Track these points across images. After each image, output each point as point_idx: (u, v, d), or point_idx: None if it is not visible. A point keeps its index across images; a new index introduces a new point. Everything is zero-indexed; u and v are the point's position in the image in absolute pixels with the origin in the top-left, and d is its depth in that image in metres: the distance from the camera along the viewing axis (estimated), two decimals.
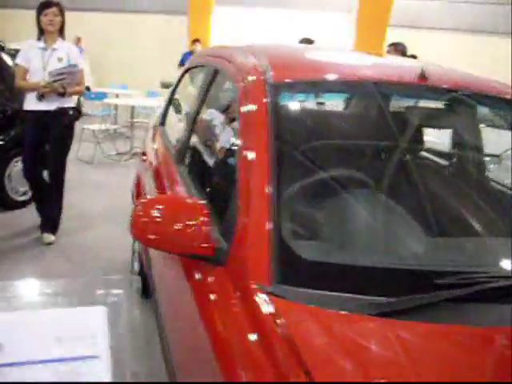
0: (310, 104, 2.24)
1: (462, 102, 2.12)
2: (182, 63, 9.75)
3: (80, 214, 5.19)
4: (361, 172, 1.87)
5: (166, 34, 12.59)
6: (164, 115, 3.50)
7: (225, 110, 2.47)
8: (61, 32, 4.20)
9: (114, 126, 8.35)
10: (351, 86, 2.09)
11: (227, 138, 1.93)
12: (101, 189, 6.18)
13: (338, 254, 1.58)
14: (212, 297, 1.58)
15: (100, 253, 4.35)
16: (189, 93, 3.32)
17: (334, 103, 2.25)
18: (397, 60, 2.44)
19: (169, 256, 2.05)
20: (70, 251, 4.36)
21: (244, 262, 1.52)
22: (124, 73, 12.02)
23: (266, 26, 11.83)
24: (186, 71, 3.40)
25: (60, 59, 4.13)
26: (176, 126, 3.21)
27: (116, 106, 8.60)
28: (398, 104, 2.23)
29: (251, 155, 1.72)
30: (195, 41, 10.33)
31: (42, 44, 4.15)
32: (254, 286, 1.43)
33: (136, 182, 3.65)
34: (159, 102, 8.54)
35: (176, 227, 1.64)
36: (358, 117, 2.25)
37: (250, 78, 2.02)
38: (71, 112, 4.28)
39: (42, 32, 4.15)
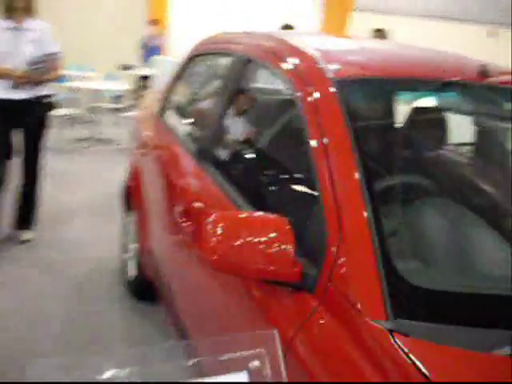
0: (379, 104, 2.05)
1: None
2: (143, 47, 9.35)
3: (57, 207, 4.84)
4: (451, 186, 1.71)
5: (123, 13, 12.05)
6: (164, 105, 3.23)
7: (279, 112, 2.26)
8: (31, 9, 3.77)
9: (75, 111, 7.90)
10: (416, 85, 1.92)
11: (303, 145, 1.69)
12: (71, 179, 5.82)
13: (461, 280, 1.41)
14: (304, 327, 1.38)
15: (86, 251, 4.07)
16: (204, 82, 3.08)
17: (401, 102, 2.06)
18: (448, 55, 2.27)
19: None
20: (51, 251, 4.05)
21: (347, 291, 1.33)
22: (80, 54, 11.43)
23: (230, 9, 11.46)
24: (191, 59, 3.13)
25: (32, 41, 3.74)
26: (189, 119, 2.97)
27: (77, 90, 8.13)
28: (465, 105, 2.08)
29: (340, 168, 1.53)
30: (153, 22, 9.87)
31: (10, 23, 3.71)
32: (369, 322, 1.25)
33: (133, 177, 3.38)
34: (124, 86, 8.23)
35: (258, 250, 1.44)
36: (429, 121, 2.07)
37: (315, 78, 1.82)
38: (47, 100, 3.94)
39: (9, 9, 3.70)
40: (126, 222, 3.69)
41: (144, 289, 3.43)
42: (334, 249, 1.40)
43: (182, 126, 3.02)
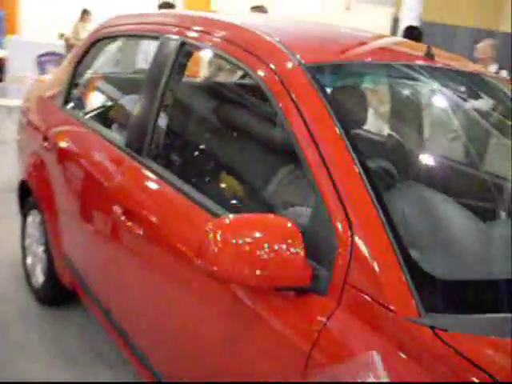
0: (353, 89, 2.01)
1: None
2: None
3: None
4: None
5: None
6: (66, 95, 2.94)
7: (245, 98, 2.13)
8: None
9: None
10: (382, 69, 1.91)
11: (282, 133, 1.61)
12: None
13: (483, 268, 1.42)
14: (326, 336, 1.31)
15: None
16: (117, 68, 2.84)
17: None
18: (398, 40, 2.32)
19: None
20: None
21: (370, 290, 1.29)
22: None
23: None
24: (94, 43, 2.87)
25: None
26: (109, 110, 2.73)
27: None
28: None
29: (335, 157, 1.47)
30: None
31: None
32: (406, 320, 1.22)
33: (34, 174, 3.05)
34: None
35: (266, 256, 1.34)
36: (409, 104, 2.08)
37: (280, 63, 1.73)
38: None
39: None
40: (26, 223, 3.34)
41: (56, 295, 3.16)
42: (346, 245, 1.35)
43: (98, 116, 2.78)
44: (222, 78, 5.94)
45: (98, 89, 3.20)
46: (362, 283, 1.32)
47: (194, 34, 2.14)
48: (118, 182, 2.20)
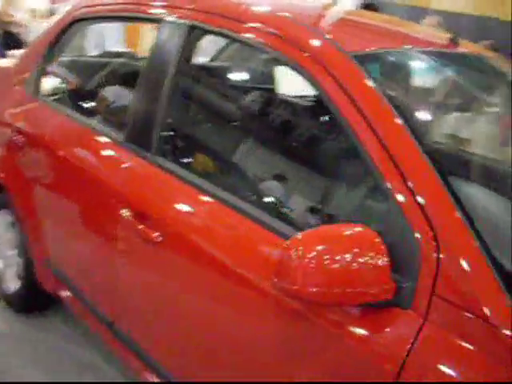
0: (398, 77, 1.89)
1: None
2: None
3: None
4: None
5: None
6: (39, 81, 2.67)
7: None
8: None
9: None
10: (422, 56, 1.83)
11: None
12: None
13: None
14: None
15: None
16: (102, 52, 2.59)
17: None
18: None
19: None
20: None
21: (464, 302, 1.19)
22: None
23: None
24: (70, 24, 2.60)
25: None
26: (98, 99, 2.49)
27: None
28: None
29: (401, 150, 1.37)
30: None
31: None
32: (504, 333, 1.13)
33: (9, 171, 2.77)
34: None
35: (352, 272, 1.22)
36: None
37: (322, 51, 1.59)
38: None
39: None
40: None
41: (33, 302, 2.91)
42: (431, 254, 1.24)
43: (79, 107, 2.54)
44: None
45: (76, 75, 2.93)
46: (453, 294, 1.21)
47: (207, 17, 1.93)
48: (123, 181, 1.99)
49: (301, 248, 1.23)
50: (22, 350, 2.68)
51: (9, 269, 2.96)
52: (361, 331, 1.29)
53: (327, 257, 1.22)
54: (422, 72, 1.97)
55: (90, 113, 2.66)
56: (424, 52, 1.90)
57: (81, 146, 2.29)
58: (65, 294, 2.52)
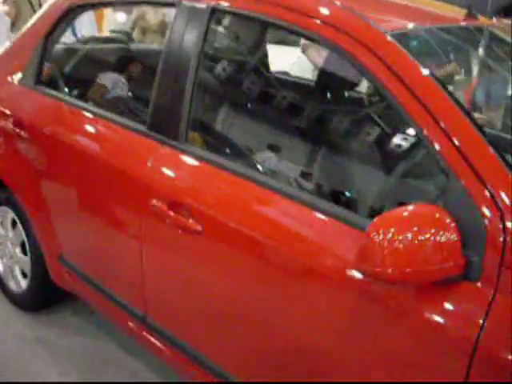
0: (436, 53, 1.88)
1: None
2: None
3: None
4: None
5: None
6: (38, 72, 2.57)
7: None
8: None
9: None
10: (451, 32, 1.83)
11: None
12: None
13: None
14: None
15: None
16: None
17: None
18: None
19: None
20: None
21: None
22: None
23: None
24: (69, 11, 2.50)
25: None
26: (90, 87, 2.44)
27: None
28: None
29: (454, 122, 1.39)
30: None
31: None
32: None
33: (11, 167, 2.66)
34: None
35: (429, 250, 1.24)
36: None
37: (364, 32, 1.58)
38: None
39: None
40: None
41: (45, 299, 2.85)
42: (496, 225, 1.26)
43: (86, 95, 2.47)
44: (148, 40, 5.59)
45: (74, 63, 2.83)
46: None
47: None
48: (151, 171, 1.94)
49: (381, 231, 1.24)
50: (37, 350, 2.62)
51: (12, 267, 2.87)
52: (434, 308, 1.31)
53: (405, 237, 1.23)
54: (453, 48, 1.98)
55: (96, 102, 2.59)
56: (451, 28, 1.91)
57: (96, 137, 2.22)
58: (84, 289, 2.47)
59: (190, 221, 1.79)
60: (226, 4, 1.91)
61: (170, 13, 5.03)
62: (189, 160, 1.89)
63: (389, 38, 1.57)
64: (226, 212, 1.74)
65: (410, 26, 1.76)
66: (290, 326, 1.64)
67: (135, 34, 5.46)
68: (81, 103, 2.40)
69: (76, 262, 2.45)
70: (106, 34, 5.56)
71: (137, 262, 2.05)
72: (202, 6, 1.92)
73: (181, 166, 1.92)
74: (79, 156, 2.24)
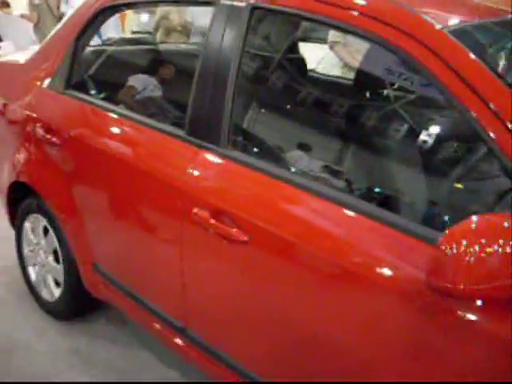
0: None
1: None
2: None
3: None
4: None
5: None
6: (69, 76, 2.51)
7: None
8: None
9: None
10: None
11: None
12: None
13: None
14: None
15: None
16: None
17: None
18: None
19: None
20: None
21: None
22: None
23: None
24: (99, 13, 2.43)
25: None
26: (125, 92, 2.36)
27: None
28: None
29: None
30: None
31: None
32: None
33: (43, 173, 2.60)
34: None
35: (505, 262, 1.14)
36: None
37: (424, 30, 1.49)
38: None
39: None
40: (23, 230, 2.89)
41: (77, 308, 2.80)
42: None
43: (120, 101, 2.41)
44: (172, 40, 5.51)
45: (108, 66, 2.77)
46: None
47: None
48: (193, 178, 1.86)
49: (454, 244, 1.14)
50: (71, 360, 2.57)
51: (45, 276, 2.82)
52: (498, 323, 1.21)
53: (482, 250, 1.14)
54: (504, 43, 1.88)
55: (126, 104, 2.52)
56: (497, 23, 1.81)
57: (131, 142, 2.15)
58: (118, 299, 2.40)
59: (235, 230, 1.70)
60: (266, 2, 1.82)
61: (194, 11, 5.02)
62: (232, 166, 1.81)
63: (447, 34, 1.47)
64: (274, 222, 1.65)
65: (466, 21, 1.66)
66: (344, 339, 1.55)
67: (159, 35, 5.40)
68: (113, 107, 2.33)
69: (111, 271, 2.38)
70: (128, 34, 5.51)
71: (177, 272, 1.98)
72: (242, 4, 1.83)
73: (224, 172, 1.83)
74: (114, 162, 2.17)
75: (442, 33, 1.49)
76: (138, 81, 2.68)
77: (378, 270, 1.42)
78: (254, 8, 1.82)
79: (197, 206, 1.81)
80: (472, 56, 1.44)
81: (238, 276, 1.80)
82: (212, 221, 1.76)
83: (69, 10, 8.76)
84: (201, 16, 5.27)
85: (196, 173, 1.86)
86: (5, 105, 2.80)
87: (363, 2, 1.63)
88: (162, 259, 2.07)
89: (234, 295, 1.84)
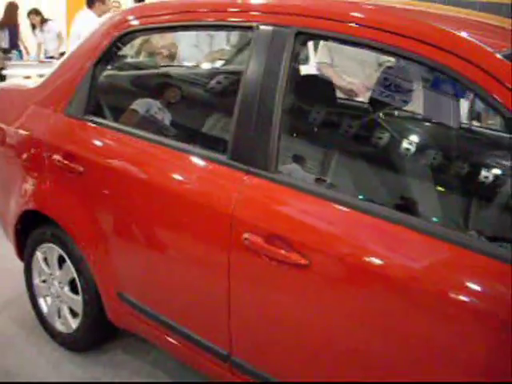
0: None
1: None
2: None
3: None
4: None
5: None
6: (88, 102, 2.46)
7: None
8: None
9: None
10: None
11: None
12: None
13: None
14: None
15: None
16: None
17: None
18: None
19: None
20: None
21: None
22: None
23: None
24: (119, 38, 2.40)
25: None
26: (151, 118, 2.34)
27: None
28: None
29: None
30: None
31: None
32: None
33: (62, 201, 2.53)
34: None
35: None
36: None
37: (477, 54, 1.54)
38: None
39: None
40: (34, 260, 2.80)
41: (96, 339, 2.72)
42: None
43: (146, 126, 2.38)
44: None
45: (120, 91, 2.74)
46: None
47: (316, 22, 1.82)
48: (241, 203, 1.85)
49: None
50: None
51: (60, 307, 2.74)
52: None
53: None
54: None
55: (156, 130, 2.50)
56: None
57: (169, 168, 2.11)
58: (149, 328, 2.34)
59: (294, 255, 1.70)
60: (312, 27, 1.84)
61: (179, 35, 5.01)
62: (283, 190, 1.81)
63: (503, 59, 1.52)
64: (334, 245, 1.66)
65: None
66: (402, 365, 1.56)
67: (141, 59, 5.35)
68: (137, 131, 2.29)
69: (141, 300, 2.32)
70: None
71: (222, 298, 1.95)
72: (286, 30, 1.85)
73: (274, 196, 1.83)
74: (145, 187, 2.14)
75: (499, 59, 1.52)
76: (140, 105, 2.67)
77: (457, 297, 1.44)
78: (298, 33, 1.84)
79: (247, 231, 1.80)
80: None
81: (295, 300, 1.79)
82: (266, 245, 1.75)
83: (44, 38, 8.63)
84: (186, 38, 5.31)
85: (243, 198, 1.85)
86: (11, 132, 2.72)
87: (417, 29, 1.67)
88: (203, 285, 2.04)
89: (289, 320, 1.82)
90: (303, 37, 1.88)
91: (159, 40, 5.35)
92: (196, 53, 5.38)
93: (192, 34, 5.10)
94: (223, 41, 5.46)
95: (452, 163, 2.33)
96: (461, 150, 2.47)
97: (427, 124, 2.72)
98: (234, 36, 4.59)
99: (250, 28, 1.96)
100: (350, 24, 1.76)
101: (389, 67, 2.56)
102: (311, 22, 1.84)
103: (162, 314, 2.24)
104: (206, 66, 4.82)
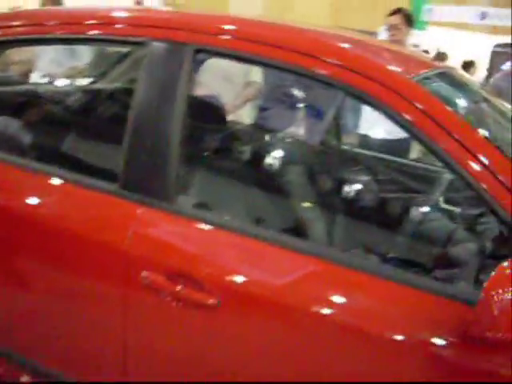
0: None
1: None
2: None
3: None
4: None
5: None
6: None
7: None
8: None
9: None
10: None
11: None
12: None
13: None
14: None
15: None
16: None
17: None
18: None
19: None
20: None
21: None
22: None
23: None
24: None
25: None
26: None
27: None
28: None
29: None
30: None
31: None
32: None
33: None
34: None
35: None
36: None
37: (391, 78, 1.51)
38: None
39: None
40: None
41: None
42: None
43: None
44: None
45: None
46: None
47: (217, 40, 1.70)
48: (137, 239, 1.65)
49: (499, 291, 1.14)
50: None
51: None
52: None
53: None
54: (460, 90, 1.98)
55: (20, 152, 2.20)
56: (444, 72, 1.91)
57: (54, 201, 1.85)
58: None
59: (200, 294, 1.54)
60: (210, 44, 1.71)
61: (36, 49, 4.62)
62: (184, 223, 1.64)
63: (416, 83, 1.52)
64: (245, 281, 1.53)
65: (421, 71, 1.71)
66: None
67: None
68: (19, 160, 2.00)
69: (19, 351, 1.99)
70: None
71: (119, 340, 1.72)
72: (182, 46, 1.70)
73: (176, 230, 1.66)
74: (23, 223, 1.86)
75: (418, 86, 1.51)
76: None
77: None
78: (197, 50, 1.69)
79: (145, 269, 1.60)
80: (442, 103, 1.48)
81: (202, 341, 1.62)
82: (169, 284, 1.57)
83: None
84: (47, 52, 4.92)
85: (139, 232, 1.66)
86: None
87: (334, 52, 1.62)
88: (97, 330, 1.79)
89: (191, 358, 1.64)
90: (204, 55, 1.74)
91: (16, 54, 4.93)
92: (56, 68, 5.03)
93: (52, 48, 4.73)
94: (86, 56, 5.15)
95: (315, 178, 2.32)
96: (322, 166, 2.47)
97: (290, 140, 2.70)
98: (97, 51, 4.32)
99: (141, 44, 1.78)
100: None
101: None
102: (211, 39, 1.70)
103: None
104: (66, 82, 4.51)
